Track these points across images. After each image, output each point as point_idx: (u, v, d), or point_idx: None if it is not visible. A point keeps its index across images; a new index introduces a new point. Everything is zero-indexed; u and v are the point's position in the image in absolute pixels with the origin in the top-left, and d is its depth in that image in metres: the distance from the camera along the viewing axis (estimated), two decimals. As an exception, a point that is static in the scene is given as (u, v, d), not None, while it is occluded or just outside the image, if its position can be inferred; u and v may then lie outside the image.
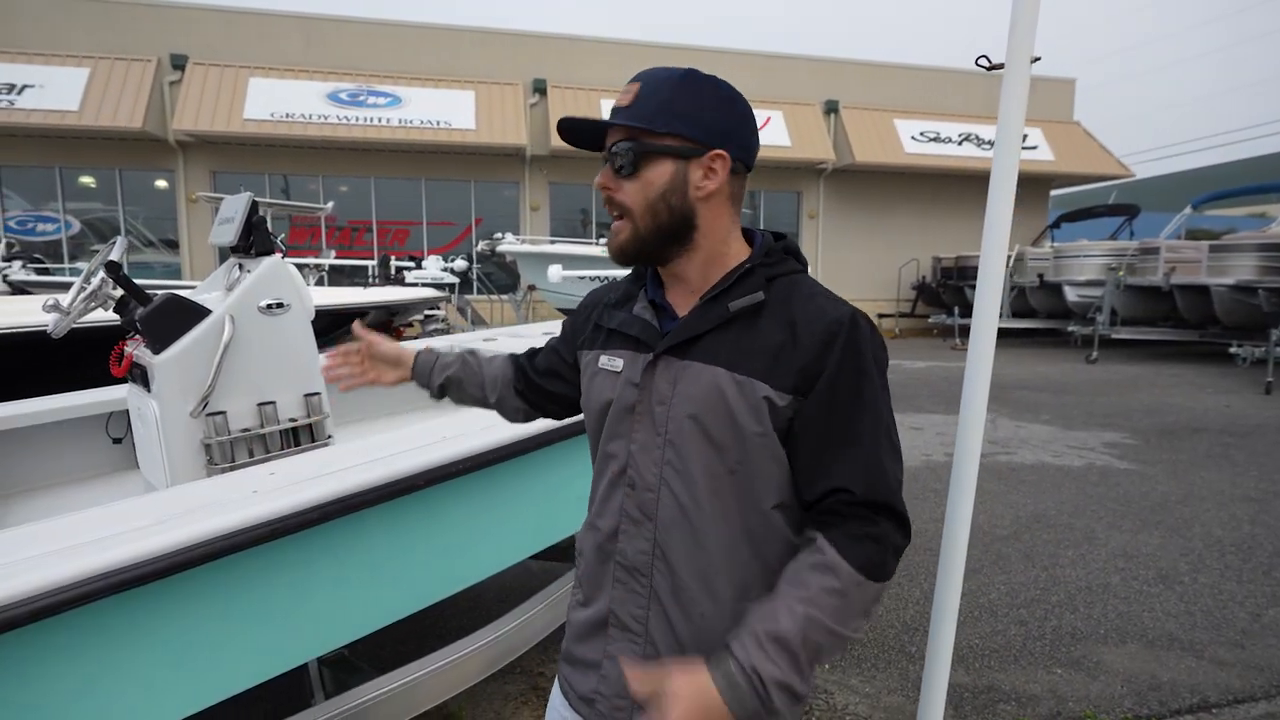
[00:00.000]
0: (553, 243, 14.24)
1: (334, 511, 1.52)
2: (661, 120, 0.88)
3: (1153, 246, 12.95)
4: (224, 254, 2.38)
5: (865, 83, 18.00)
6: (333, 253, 13.16)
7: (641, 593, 0.94)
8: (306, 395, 2.21)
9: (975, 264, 16.42)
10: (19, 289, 8.97)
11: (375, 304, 5.84)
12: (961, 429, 1.52)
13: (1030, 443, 6.34)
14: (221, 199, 2.39)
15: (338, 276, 11.79)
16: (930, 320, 17.26)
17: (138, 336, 2.09)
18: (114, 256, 1.95)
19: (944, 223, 18.80)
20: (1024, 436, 6.57)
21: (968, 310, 16.52)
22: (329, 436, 2.24)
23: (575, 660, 1.03)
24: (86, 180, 14.85)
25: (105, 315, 2.20)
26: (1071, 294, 13.91)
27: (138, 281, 2.12)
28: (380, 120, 14.58)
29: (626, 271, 1.08)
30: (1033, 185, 18.37)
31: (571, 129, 0.96)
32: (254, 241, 2.19)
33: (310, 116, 14.27)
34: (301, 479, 1.59)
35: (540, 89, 16.00)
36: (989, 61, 1.50)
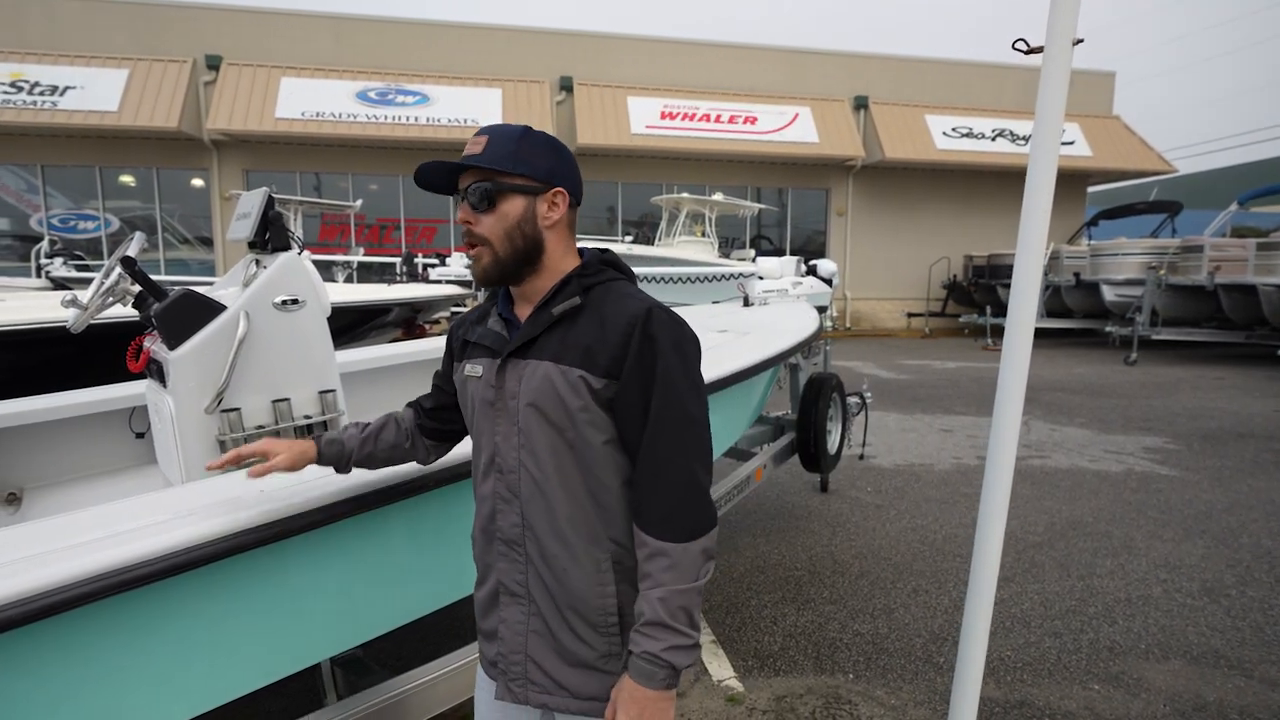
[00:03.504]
0: (578, 240, 14.20)
1: (346, 510, 1.49)
2: (510, 163, 1.08)
3: (1196, 244, 12.52)
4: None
5: (896, 78, 17.69)
6: (361, 250, 13.32)
7: (519, 560, 1.14)
8: (321, 392, 2.19)
9: (1008, 262, 16.06)
10: (60, 284, 9.21)
11: (400, 301, 5.86)
12: (995, 432, 1.44)
13: (1065, 446, 6.14)
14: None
15: (366, 273, 11.93)
16: (961, 320, 16.91)
17: (155, 332, 2.09)
18: (130, 252, 1.95)
19: (976, 220, 18.41)
20: (1058, 440, 6.37)
21: (1000, 310, 16.10)
22: (344, 434, 2.22)
23: (482, 633, 1.23)
24: (125, 179, 15.24)
25: (128, 311, 2.21)
26: (1109, 293, 13.50)
27: (171, 279, 2.12)
28: (409, 119, 14.72)
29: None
30: (1069, 182, 17.88)
31: (428, 173, 1.13)
32: (270, 237, 2.18)
33: (340, 115, 14.47)
34: (314, 477, 1.56)
35: (567, 86, 16.01)
36: (1027, 45, 1.41)
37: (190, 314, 1.97)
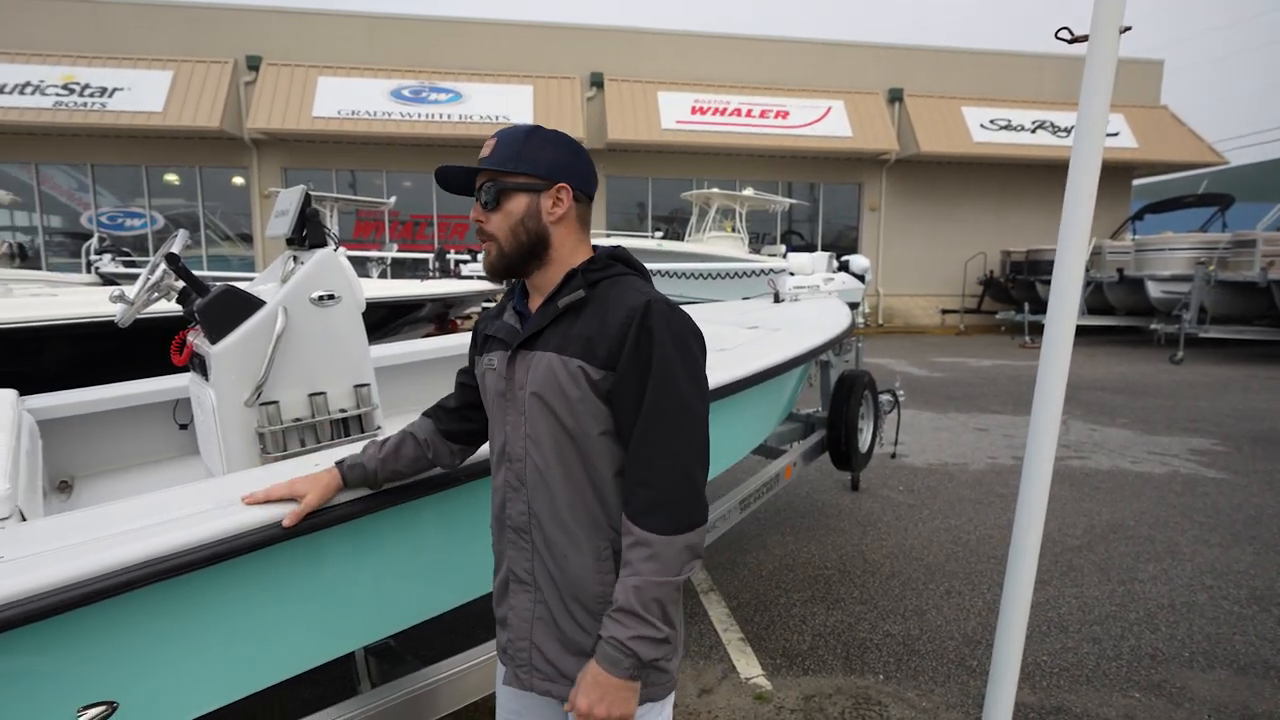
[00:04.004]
0: (609, 235, 14.26)
1: (383, 503, 1.51)
2: (512, 163, 1.12)
3: (1248, 239, 12.04)
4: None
5: (931, 69, 17.34)
6: (395, 246, 13.52)
7: (526, 548, 1.18)
8: (356, 386, 2.23)
9: (1048, 258, 15.64)
10: (109, 280, 9.54)
11: (432, 296, 5.94)
12: (1033, 431, 1.40)
13: (1105, 447, 5.97)
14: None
15: (399, 269, 12.11)
16: (998, 317, 16.54)
17: (198, 326, 2.15)
18: (174, 249, 2.01)
19: (1014, 215, 17.98)
20: (1099, 440, 6.20)
21: (1039, 307, 15.71)
22: (378, 427, 2.26)
23: (497, 621, 1.26)
24: (170, 178, 15.69)
25: (173, 306, 2.28)
26: (1155, 290, 13.07)
27: (213, 275, 2.18)
28: (442, 116, 14.88)
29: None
30: (1113, 174, 17.33)
31: (447, 177, 1.19)
32: (307, 234, 2.22)
33: (375, 113, 14.69)
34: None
35: (598, 82, 16.02)
36: (1071, 34, 1.37)
37: (231, 309, 2.02)
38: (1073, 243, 1.32)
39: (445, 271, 10.81)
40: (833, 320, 3.87)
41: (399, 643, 2.11)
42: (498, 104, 15.22)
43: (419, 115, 14.84)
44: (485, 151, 1.15)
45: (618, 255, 1.20)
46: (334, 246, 2.29)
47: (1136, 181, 19.13)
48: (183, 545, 1.29)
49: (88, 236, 13.28)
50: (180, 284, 2.07)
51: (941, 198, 17.77)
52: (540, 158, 1.13)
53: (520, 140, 1.13)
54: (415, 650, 2.11)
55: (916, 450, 5.81)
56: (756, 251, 13.18)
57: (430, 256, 12.25)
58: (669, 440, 1.06)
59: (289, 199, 2.26)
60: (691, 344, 1.10)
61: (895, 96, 17.01)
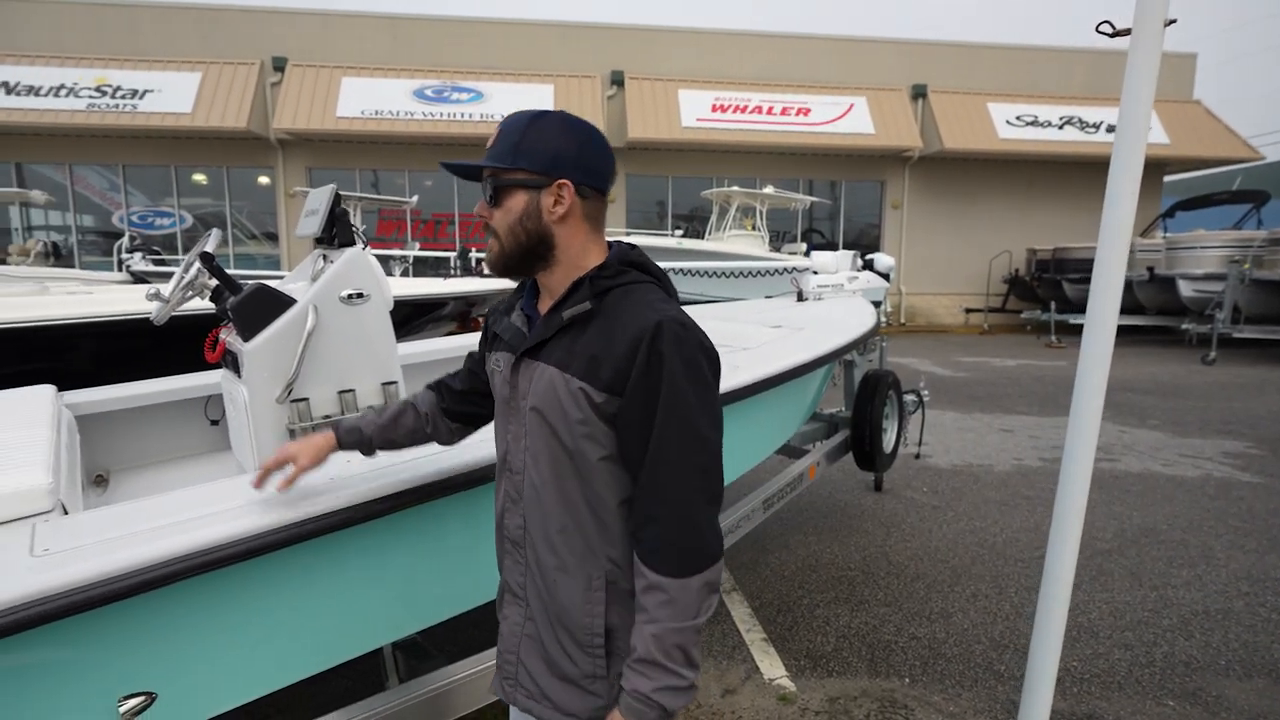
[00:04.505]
0: (628, 234, 14.26)
1: (410, 500, 1.53)
2: (509, 158, 1.03)
3: (1285, 236, 11.72)
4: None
5: (956, 65, 17.10)
6: (417, 245, 13.64)
7: (521, 562, 1.14)
8: (384, 384, 2.25)
9: (1075, 256, 15.35)
10: (139, 278, 9.74)
11: (455, 294, 5.98)
12: (1072, 432, 1.37)
13: (1136, 449, 5.85)
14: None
15: (421, 268, 12.21)
16: (1023, 316, 16.28)
17: (230, 324, 2.18)
18: (208, 248, 2.04)
19: (1040, 212, 17.68)
20: (1129, 442, 6.07)
21: (1065, 306, 15.38)
22: (405, 425, 2.28)
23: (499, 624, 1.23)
24: (198, 178, 15.97)
25: (205, 304, 2.32)
26: (1186, 288, 12.79)
27: (241, 273, 2.21)
28: (463, 115, 14.98)
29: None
30: (1144, 171, 16.94)
31: (455, 170, 1.11)
32: (336, 233, 2.25)
33: (398, 113, 14.83)
34: (378, 466, 1.61)
35: (618, 81, 16.02)
36: (1112, 27, 1.34)
37: (263, 307, 2.05)
38: (1114, 240, 1.29)
39: (467, 270, 10.89)
40: (858, 319, 3.83)
41: (425, 638, 2.14)
42: (519, 103, 15.27)
43: (441, 115, 14.95)
44: (490, 141, 1.07)
45: (631, 260, 1.10)
46: (363, 245, 2.31)
47: (1168, 178, 18.72)
48: (221, 540, 1.31)
49: (119, 235, 13.56)
50: (214, 282, 2.10)
51: (966, 195, 17.53)
52: (539, 150, 1.02)
53: (520, 130, 1.03)
54: (442, 646, 2.12)
55: (940, 451, 5.74)
56: (777, 250, 13.11)
57: (452, 255, 12.34)
58: (680, 474, 0.98)
59: (318, 198, 2.29)
60: (705, 368, 1.01)
61: (919, 93, 16.81)
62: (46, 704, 1.25)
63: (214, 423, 2.88)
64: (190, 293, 2.10)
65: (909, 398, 4.64)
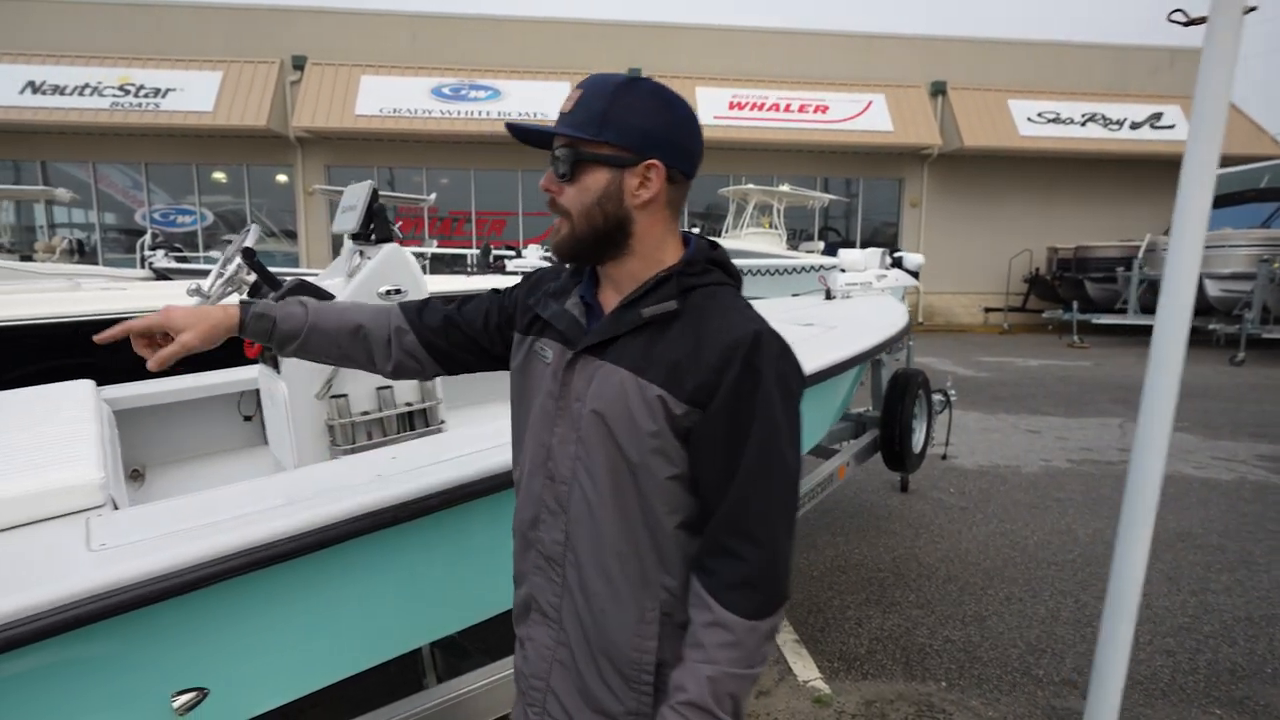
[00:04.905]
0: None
1: (455, 497, 1.51)
2: (594, 129, 0.90)
3: (1316, 235, 11.49)
4: (338, 243, 2.46)
5: (976, 61, 16.91)
6: (434, 242, 13.70)
7: (557, 581, 1.00)
8: (421, 381, 2.24)
9: (1097, 255, 15.14)
10: (161, 275, 9.85)
11: (479, 291, 5.99)
12: (1141, 436, 1.34)
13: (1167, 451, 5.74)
14: (339, 191, 2.46)
15: (439, 265, 12.26)
16: (1044, 316, 16.08)
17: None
18: (249, 243, 2.03)
19: (1062, 210, 17.46)
20: (1159, 444, 5.96)
21: (1087, 305, 15.10)
22: (442, 421, 2.27)
23: (516, 638, 1.10)
24: (218, 176, 16.12)
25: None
26: (1213, 288, 12.57)
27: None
28: (480, 113, 15.02)
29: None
30: (1165, 169, 16.70)
31: (523, 133, 0.97)
32: (374, 229, 2.24)
33: (415, 111, 14.89)
34: (421, 464, 1.60)
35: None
36: (1186, 16, 1.30)
37: (303, 303, 2.04)
38: (1188, 234, 1.26)
39: (488, 267, 10.92)
40: (889, 319, 3.79)
41: (465, 638, 2.13)
42: (536, 100, 15.29)
43: (458, 113, 14.99)
44: (567, 105, 0.93)
45: (716, 259, 0.99)
46: (399, 241, 2.30)
47: (1192, 176, 18.40)
48: (271, 537, 1.30)
49: (140, 233, 13.74)
50: (253, 278, 2.10)
51: (985, 193, 17.34)
52: (630, 124, 0.90)
53: (608, 96, 0.90)
54: (481, 645, 2.11)
55: (965, 452, 5.67)
56: (794, 248, 13.01)
57: (470, 252, 12.38)
58: (768, 506, 0.89)
59: (356, 194, 2.28)
60: (797, 390, 0.93)
61: (938, 89, 16.65)
62: (101, 697, 1.24)
63: (247, 419, 2.89)
64: (230, 288, 2.10)
65: (936, 397, 4.58)
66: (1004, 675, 2.64)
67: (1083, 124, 16.39)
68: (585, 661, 0.99)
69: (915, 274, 5.21)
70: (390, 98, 14.97)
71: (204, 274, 5.72)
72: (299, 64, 15.18)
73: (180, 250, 12.89)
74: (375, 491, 1.44)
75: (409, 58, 15.68)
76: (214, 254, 14.53)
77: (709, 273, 0.97)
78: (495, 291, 1.20)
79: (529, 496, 1.04)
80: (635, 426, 0.91)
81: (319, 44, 15.42)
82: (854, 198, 17.51)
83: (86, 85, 14.19)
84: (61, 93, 14.06)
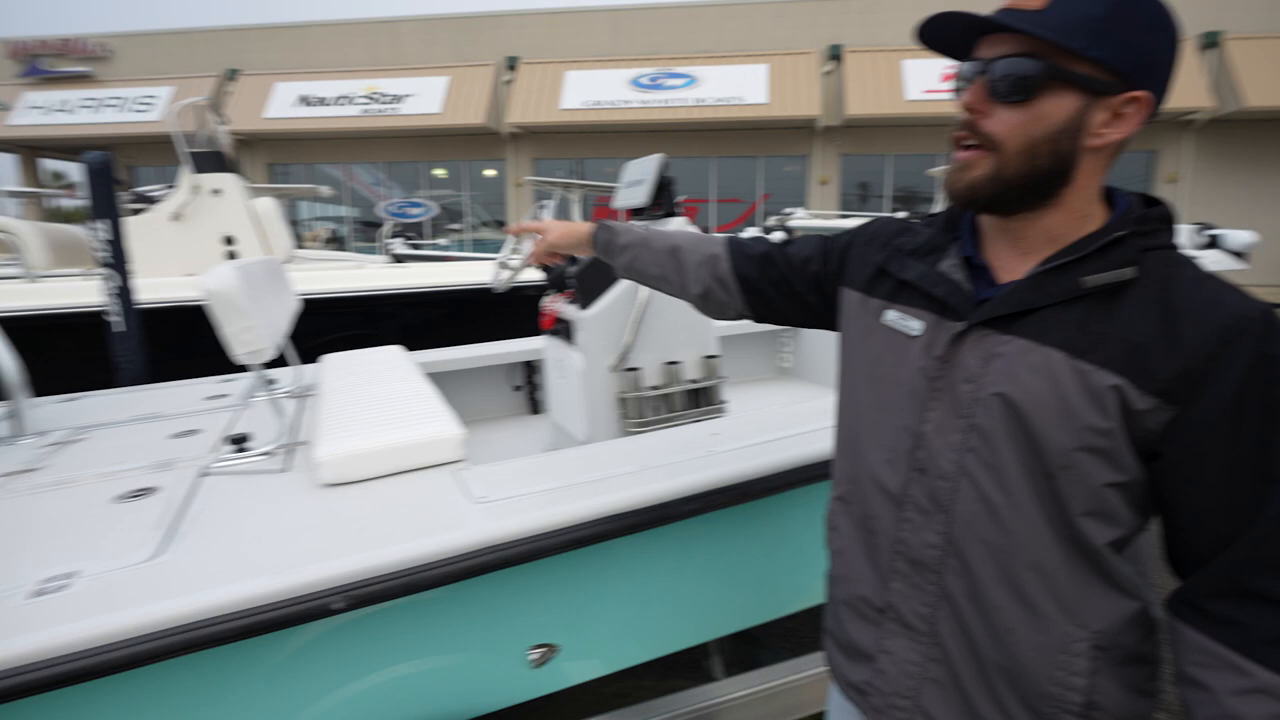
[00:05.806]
0: (844, 217, 13.55)
1: (795, 480, 1.42)
2: (1083, 38, 0.70)
3: None
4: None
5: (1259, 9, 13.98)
6: (630, 229, 14.08)
7: (928, 589, 0.86)
8: (706, 358, 2.20)
9: None
10: (399, 260, 11.09)
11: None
12: None
13: None
14: (546, 181, 2.47)
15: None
16: None
17: (560, 293, 2.24)
18: (550, 216, 2.09)
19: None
20: None
21: None
22: (724, 400, 2.21)
23: (842, 645, 0.98)
24: (438, 171, 17.88)
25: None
26: None
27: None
28: (676, 101, 15.17)
29: None
30: None
31: (945, 24, 0.78)
32: (662, 202, 2.22)
33: (615, 102, 15.38)
34: (745, 443, 1.52)
35: (835, 55, 15.23)
36: None
37: (601, 276, 2.07)
38: None
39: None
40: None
41: (763, 632, 2.05)
42: (731, 85, 15.13)
43: (655, 102, 15.25)
44: (1030, 1, 0.73)
45: (1167, 215, 0.79)
46: (681, 214, 2.27)
47: None
48: (631, 505, 1.29)
49: (378, 225, 15.62)
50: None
51: (1273, 163, 14.36)
52: (1132, 42, 0.71)
53: (1109, 2, 0.70)
54: (780, 641, 2.03)
55: None
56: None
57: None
58: None
59: (642, 169, 2.28)
60: None
61: (1210, 41, 14.01)
62: (470, 641, 1.30)
63: (516, 389, 3.06)
64: (530, 263, 2.18)
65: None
66: None
67: None
68: (974, 683, 0.84)
69: (1241, 254, 4.22)
70: (592, 91, 15.61)
71: (434, 259, 6.36)
72: (512, 64, 16.32)
73: (414, 238, 14.47)
74: (723, 467, 1.38)
75: (610, 50, 16.23)
76: (440, 241, 16.14)
77: (1163, 232, 0.77)
78: (823, 238, 1.10)
79: (877, 489, 0.90)
80: (1071, 419, 0.73)
81: (529, 44, 16.47)
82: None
83: (342, 96, 16.36)
84: (324, 104, 16.34)
